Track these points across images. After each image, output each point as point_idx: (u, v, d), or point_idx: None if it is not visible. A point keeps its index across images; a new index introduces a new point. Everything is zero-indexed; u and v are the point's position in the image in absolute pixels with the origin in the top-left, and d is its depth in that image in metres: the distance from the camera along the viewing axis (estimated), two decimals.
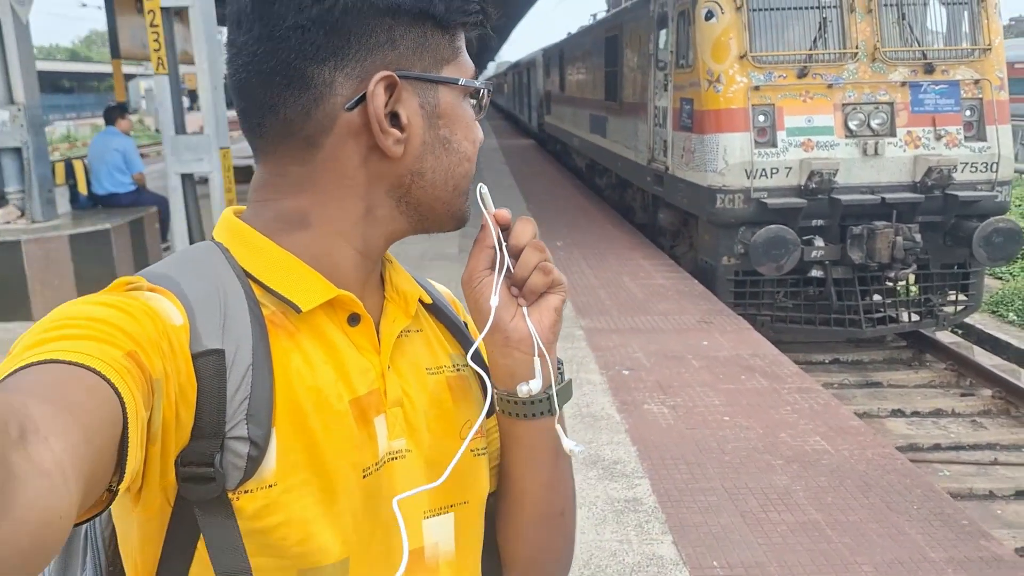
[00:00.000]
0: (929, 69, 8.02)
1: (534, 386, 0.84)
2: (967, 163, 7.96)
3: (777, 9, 8.16)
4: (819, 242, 7.94)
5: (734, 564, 3.35)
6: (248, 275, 0.80)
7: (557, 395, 0.87)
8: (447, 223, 0.87)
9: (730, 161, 7.96)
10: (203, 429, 0.72)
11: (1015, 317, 10.03)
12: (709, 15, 8.15)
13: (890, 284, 8.56)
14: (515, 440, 0.90)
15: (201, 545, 0.75)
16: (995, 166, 7.98)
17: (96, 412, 0.59)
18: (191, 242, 5.04)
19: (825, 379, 8.04)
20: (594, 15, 16.72)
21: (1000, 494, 5.91)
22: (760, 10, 8.12)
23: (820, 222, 7.92)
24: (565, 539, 0.98)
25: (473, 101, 0.86)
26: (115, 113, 9.65)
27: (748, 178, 7.91)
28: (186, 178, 6.77)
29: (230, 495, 0.73)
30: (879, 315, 8.42)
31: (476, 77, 0.87)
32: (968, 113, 8.07)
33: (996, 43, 8.13)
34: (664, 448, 4.40)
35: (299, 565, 0.76)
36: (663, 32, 9.64)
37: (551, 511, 0.95)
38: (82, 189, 9.24)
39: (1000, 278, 11.46)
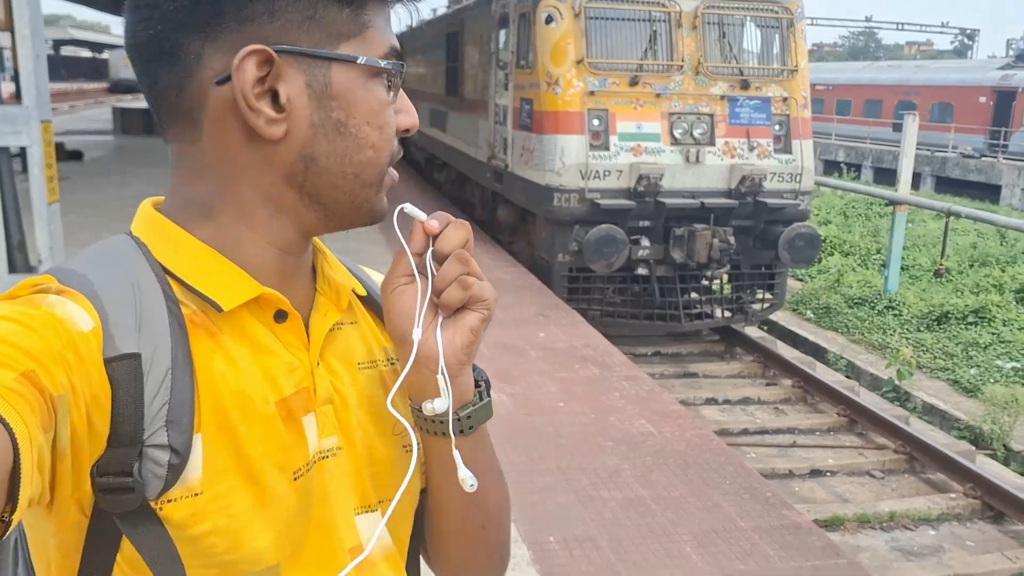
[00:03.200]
0: (745, 85, 8.72)
1: (438, 405, 0.80)
2: (775, 173, 8.72)
3: (612, 19, 8.59)
4: (645, 242, 8.44)
5: (569, 539, 3.58)
6: (167, 272, 0.75)
7: (471, 416, 0.83)
8: (357, 217, 0.80)
9: (567, 162, 8.30)
10: (120, 437, 0.68)
11: (812, 315, 11.08)
12: (549, 19, 8.45)
13: (706, 282, 9.23)
14: (431, 452, 0.86)
15: (121, 560, 0.72)
16: (799, 177, 8.80)
17: None
18: (5, 222, 4.69)
19: (648, 370, 8.54)
20: (434, 10, 16.81)
21: (797, 473, 6.56)
22: (596, 19, 8.51)
23: (646, 223, 8.41)
24: (488, 552, 0.95)
25: (386, 82, 0.78)
26: None
27: (583, 179, 8.28)
28: (1, 152, 6.24)
29: (153, 505, 0.70)
30: (696, 311, 9.06)
31: (400, 57, 0.80)
32: (777, 127, 8.84)
33: (802, 65, 8.96)
34: (503, 434, 4.59)
35: (228, 573, 0.73)
36: (504, 32, 9.87)
37: (470, 525, 0.92)
38: None
39: (800, 279, 12.61)
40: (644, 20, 8.64)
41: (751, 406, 8.02)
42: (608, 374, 5.66)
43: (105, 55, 61.13)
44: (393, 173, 0.82)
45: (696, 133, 8.60)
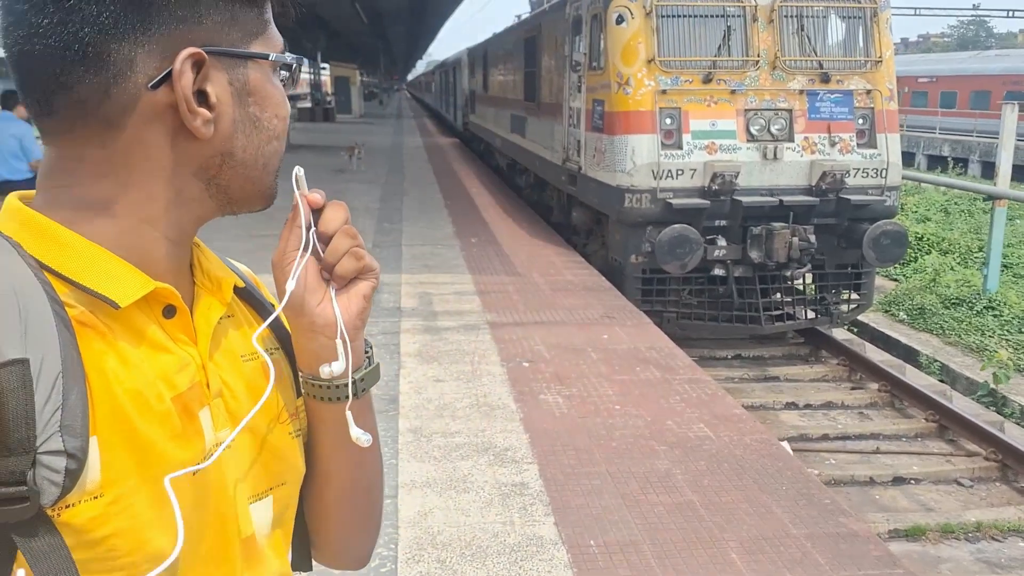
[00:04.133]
0: (825, 78, 8.42)
1: (336, 368, 0.85)
2: (859, 169, 8.39)
3: (684, 16, 8.45)
4: (721, 242, 8.25)
5: (610, 543, 3.52)
6: (48, 271, 0.73)
7: (364, 379, 0.89)
8: (256, 202, 0.85)
9: (638, 162, 8.20)
10: (10, 447, 0.67)
11: (905, 316, 10.58)
12: (620, 19, 8.38)
13: (788, 283, 8.94)
14: (321, 421, 0.91)
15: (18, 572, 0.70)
16: (884, 172, 8.43)
17: None
18: None
19: (727, 373, 8.37)
20: (519, 16, 16.92)
21: (879, 480, 6.28)
22: (668, 16, 8.39)
23: (722, 222, 8.22)
24: (372, 512, 1.02)
25: (285, 75, 0.84)
26: (14, 99, 9.36)
27: (655, 179, 8.16)
28: None
29: (49, 512, 0.68)
30: (778, 312, 8.78)
31: (285, 50, 0.85)
32: (860, 121, 8.50)
33: (887, 56, 8.58)
34: (555, 436, 4.56)
35: (127, 575, 0.73)
36: (577, 34, 9.85)
37: (358, 488, 0.98)
38: None
39: (895, 279, 12.07)
40: (718, 16, 8.46)
41: (834, 411, 7.72)
42: (670, 377, 5.55)
43: None
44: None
45: (774, 129, 8.36)
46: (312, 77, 41.90)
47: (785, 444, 6.24)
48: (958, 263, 12.60)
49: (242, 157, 0.80)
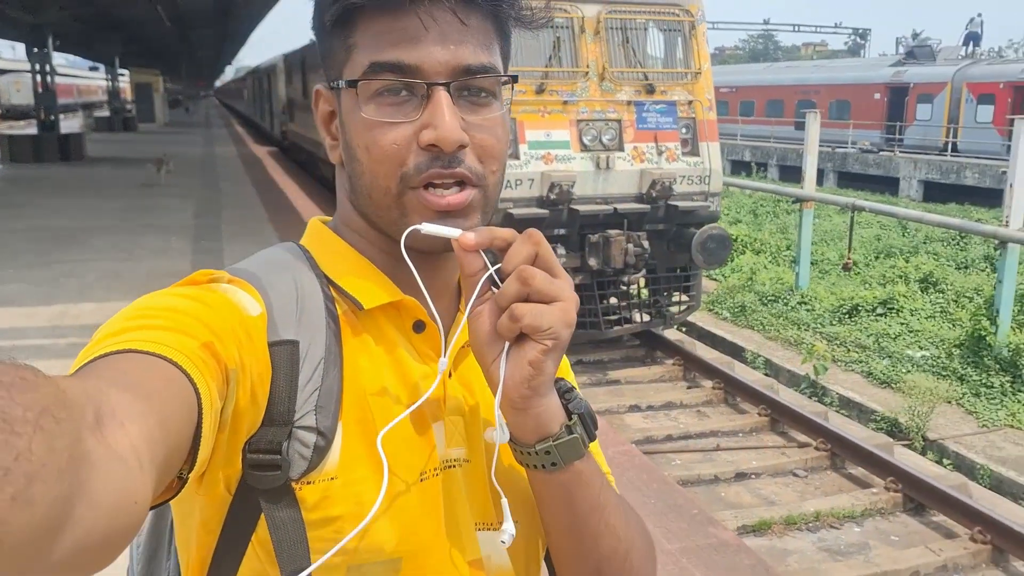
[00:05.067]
0: (651, 89, 8.70)
1: (495, 437, 0.78)
2: (684, 176, 8.72)
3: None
4: (561, 250, 8.32)
5: None
6: (327, 278, 0.83)
7: (550, 452, 0.77)
8: (392, 235, 0.81)
9: None
10: (273, 417, 0.74)
11: (728, 314, 11.17)
12: None
13: (624, 288, 9.17)
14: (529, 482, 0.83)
15: (255, 541, 0.75)
16: (708, 179, 8.82)
17: (172, 401, 0.60)
18: None
19: None
20: None
21: (723, 477, 6.52)
22: None
23: (561, 231, 8.30)
24: None
25: (389, 96, 0.78)
26: None
27: None
28: None
29: (293, 485, 0.74)
30: (615, 317, 8.99)
31: (402, 67, 0.77)
32: (684, 131, 8.85)
33: (705, 68, 9.00)
34: None
35: (349, 561, 0.76)
36: None
37: (583, 567, 0.85)
38: None
39: (715, 279, 12.73)
40: (547, 27, 8.53)
41: (674, 410, 7.98)
42: None
43: None
44: (433, 197, 0.78)
45: (605, 139, 8.53)
46: (109, 84, 39.20)
47: (633, 448, 6.35)
48: (771, 262, 13.49)
49: (355, 184, 0.82)
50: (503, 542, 0.78)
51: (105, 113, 39.04)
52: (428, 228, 0.76)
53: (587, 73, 8.50)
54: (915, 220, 10.81)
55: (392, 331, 0.83)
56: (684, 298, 9.43)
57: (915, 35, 55.44)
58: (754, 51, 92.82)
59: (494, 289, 0.75)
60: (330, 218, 0.92)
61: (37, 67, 22.37)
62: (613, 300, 9.14)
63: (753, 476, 6.59)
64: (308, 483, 0.74)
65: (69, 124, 34.31)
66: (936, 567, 5.08)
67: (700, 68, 8.96)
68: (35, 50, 22.13)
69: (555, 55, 8.52)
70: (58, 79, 27.37)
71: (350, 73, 0.79)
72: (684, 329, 10.86)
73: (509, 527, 0.78)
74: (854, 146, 27.77)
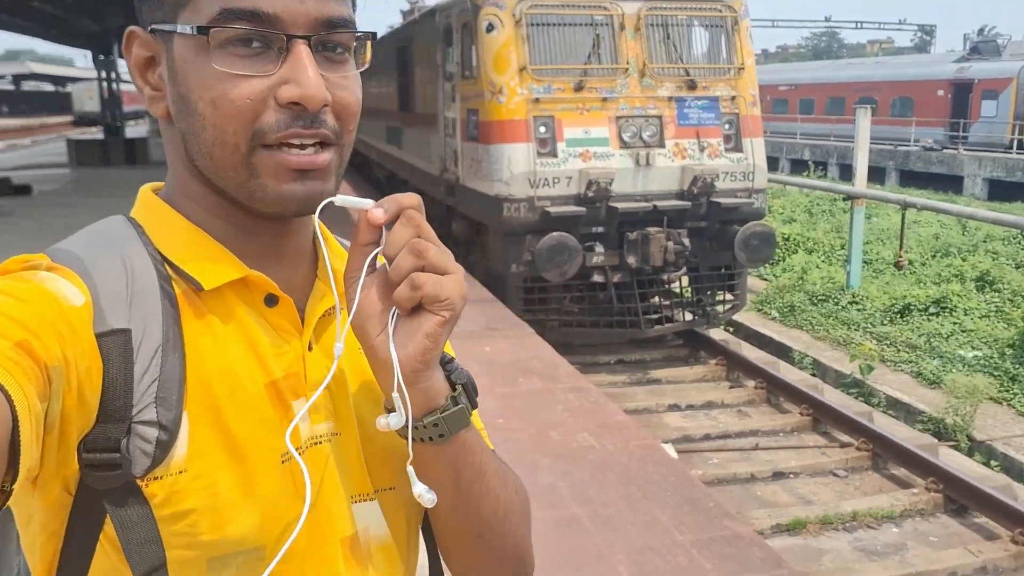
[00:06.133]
0: (692, 85, 8.61)
1: (392, 422, 0.74)
2: (727, 172, 8.61)
3: (553, 25, 8.46)
4: (599, 248, 8.29)
5: None
6: (162, 256, 0.76)
7: (438, 424, 0.75)
8: (252, 204, 0.74)
9: (514, 171, 8.14)
10: (108, 413, 0.69)
11: (776, 314, 10.97)
12: (490, 28, 8.31)
13: (666, 286, 9.09)
14: (416, 459, 0.78)
15: (104, 540, 0.71)
16: (751, 175, 8.69)
17: None
18: None
19: (610, 379, 8.41)
20: (391, 26, 16.70)
21: (760, 476, 6.40)
22: (537, 25, 8.38)
23: (599, 229, 8.27)
24: (492, 562, 0.89)
25: (240, 47, 0.70)
26: None
27: (532, 187, 8.13)
28: None
29: (139, 482, 0.69)
30: (657, 316, 8.91)
31: (260, 15, 0.70)
32: (727, 126, 8.74)
33: (748, 64, 8.87)
34: None
35: (209, 554, 0.72)
36: (449, 44, 9.74)
37: (465, 533, 0.85)
38: None
39: (765, 279, 12.52)
40: (586, 24, 8.51)
41: (714, 410, 7.87)
42: (553, 386, 5.47)
43: (68, 88, 60.71)
44: (293, 157, 0.73)
45: (645, 136, 8.47)
46: None
47: (669, 447, 6.29)
48: (823, 261, 13.20)
49: (191, 142, 0.74)
50: (431, 501, 0.76)
51: None
52: (341, 200, 0.74)
53: (627, 70, 8.45)
54: (968, 217, 10.47)
55: (241, 308, 0.77)
56: (728, 297, 9.30)
57: (981, 30, 53.60)
58: (817, 49, 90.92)
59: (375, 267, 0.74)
60: (162, 184, 0.83)
61: (103, 74, 23.21)
62: (654, 299, 9.05)
63: (791, 475, 6.46)
64: (156, 479, 0.69)
65: (136, 130, 35.42)
66: (974, 568, 4.92)
67: (743, 64, 8.83)
68: (101, 57, 22.97)
69: (594, 52, 8.50)
70: (125, 86, 28.32)
71: (191, 18, 0.71)
72: (731, 329, 10.71)
73: (423, 489, 0.76)
74: (917, 144, 26.98)
